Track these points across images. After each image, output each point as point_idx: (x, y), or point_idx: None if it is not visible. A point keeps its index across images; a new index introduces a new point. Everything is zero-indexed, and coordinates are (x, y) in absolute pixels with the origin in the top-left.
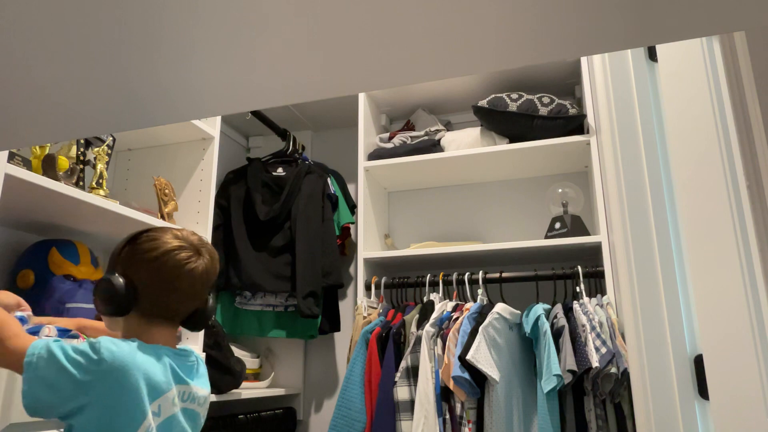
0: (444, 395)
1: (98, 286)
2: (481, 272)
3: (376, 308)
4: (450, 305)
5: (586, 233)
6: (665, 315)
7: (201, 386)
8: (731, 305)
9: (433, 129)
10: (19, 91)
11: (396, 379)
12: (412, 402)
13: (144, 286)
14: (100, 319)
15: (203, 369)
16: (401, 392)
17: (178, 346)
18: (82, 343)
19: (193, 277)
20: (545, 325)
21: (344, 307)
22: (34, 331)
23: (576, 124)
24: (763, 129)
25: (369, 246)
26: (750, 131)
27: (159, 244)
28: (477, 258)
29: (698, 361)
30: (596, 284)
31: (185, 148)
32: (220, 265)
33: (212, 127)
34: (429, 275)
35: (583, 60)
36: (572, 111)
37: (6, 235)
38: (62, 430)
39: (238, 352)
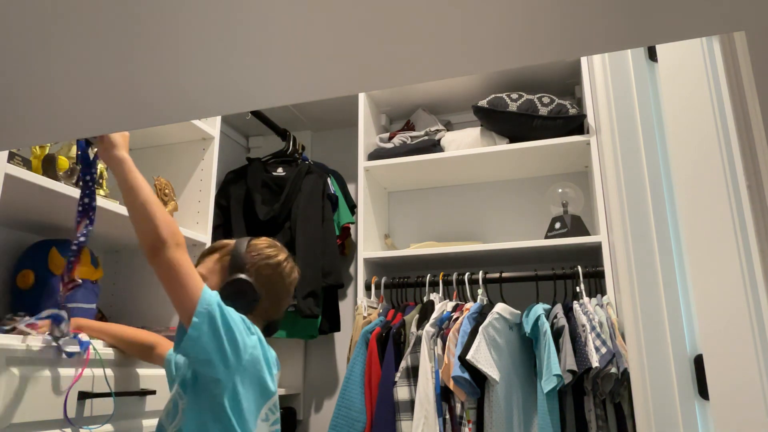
0: (444, 395)
1: (233, 283)
2: (481, 272)
3: (376, 308)
4: (450, 305)
5: (586, 233)
6: (665, 315)
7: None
8: (731, 305)
9: (433, 129)
10: (19, 91)
11: (396, 379)
12: (412, 402)
13: (265, 290)
14: (100, 320)
15: None
16: (401, 392)
17: None
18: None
19: (293, 285)
20: (545, 325)
21: (344, 307)
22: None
23: (576, 124)
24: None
25: (369, 246)
26: (750, 131)
27: (274, 252)
28: (477, 258)
29: (698, 361)
30: (596, 284)
31: (185, 148)
32: None
33: (212, 127)
34: (429, 275)
35: (583, 60)
36: (572, 111)
37: (6, 235)
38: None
39: None
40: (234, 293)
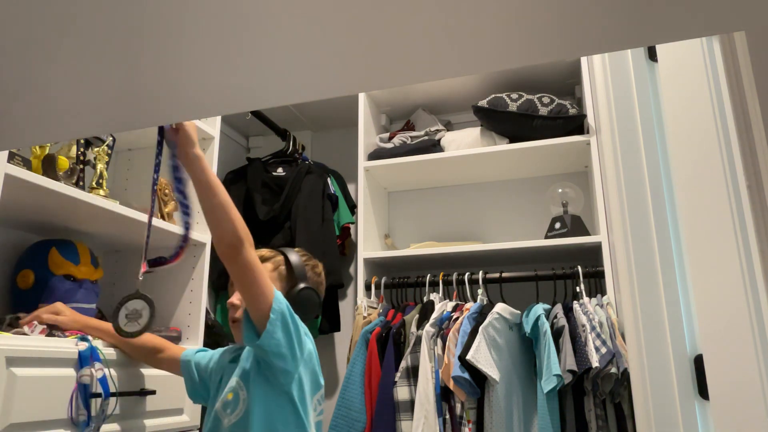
0: (444, 395)
1: (302, 293)
2: (481, 272)
3: (376, 308)
4: (450, 305)
5: (586, 233)
6: (665, 315)
7: None
8: (731, 305)
9: (433, 129)
10: (19, 91)
11: (396, 379)
12: (412, 402)
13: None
14: (103, 320)
15: None
16: (401, 392)
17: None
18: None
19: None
20: (545, 325)
21: (344, 307)
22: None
23: (576, 124)
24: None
25: (369, 246)
26: (750, 131)
27: (315, 261)
28: (477, 258)
29: (698, 361)
30: (596, 284)
31: None
32: (219, 266)
33: (212, 127)
34: (429, 275)
35: (583, 60)
36: (572, 111)
37: (6, 235)
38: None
39: None
40: (304, 301)
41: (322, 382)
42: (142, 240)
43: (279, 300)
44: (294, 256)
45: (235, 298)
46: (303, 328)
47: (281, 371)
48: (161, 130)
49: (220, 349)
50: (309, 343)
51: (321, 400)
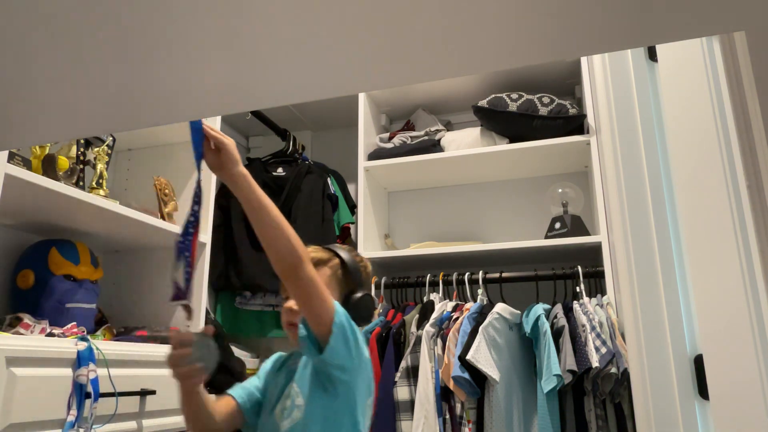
0: (444, 395)
1: (362, 300)
2: (481, 272)
3: (376, 308)
4: (450, 305)
5: (586, 233)
6: (665, 315)
7: None
8: (731, 305)
9: (433, 129)
10: (19, 91)
11: (396, 379)
12: (412, 402)
13: None
14: (99, 321)
15: None
16: (401, 392)
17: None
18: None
19: None
20: (545, 325)
21: None
22: None
23: (576, 124)
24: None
25: (369, 246)
26: (750, 131)
27: (363, 257)
28: (477, 258)
29: (698, 361)
30: (596, 284)
31: (185, 148)
32: (219, 266)
33: None
34: (429, 275)
35: (583, 60)
36: (572, 111)
37: (6, 235)
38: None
39: (238, 352)
40: (362, 308)
41: (373, 387)
42: (142, 240)
43: (339, 313)
44: (347, 257)
45: (292, 303)
46: (361, 336)
47: (340, 381)
48: (198, 154)
49: (270, 360)
50: (365, 350)
51: (371, 405)
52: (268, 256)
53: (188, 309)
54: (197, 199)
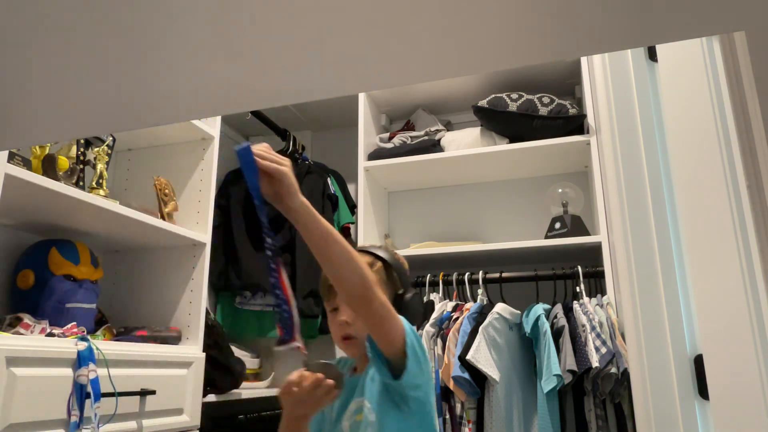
0: (444, 395)
1: (414, 300)
2: (481, 272)
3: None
4: (450, 305)
5: (586, 233)
6: (665, 315)
7: None
8: (731, 305)
9: (433, 129)
10: (19, 91)
11: None
12: None
13: None
14: (99, 321)
15: None
16: None
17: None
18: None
19: None
20: (545, 325)
21: None
22: None
23: (576, 124)
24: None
25: None
26: (750, 131)
27: (396, 252)
28: (477, 258)
29: (698, 361)
30: (596, 284)
31: (185, 148)
32: (219, 266)
33: (212, 127)
34: (429, 275)
35: (583, 60)
36: (572, 111)
37: (6, 235)
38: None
39: (238, 352)
40: (414, 309)
41: (437, 390)
42: (142, 240)
43: (408, 331)
44: (389, 257)
45: (347, 316)
46: (423, 347)
47: (414, 399)
48: (254, 185)
49: None
50: (428, 358)
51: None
52: (335, 286)
53: (299, 349)
54: (268, 232)
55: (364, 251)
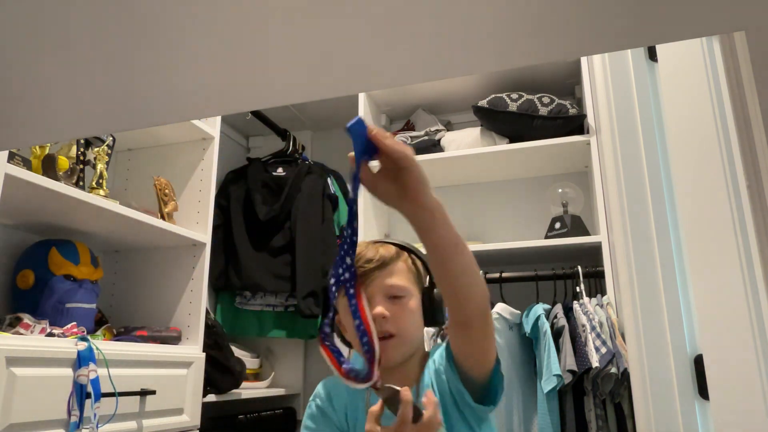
0: None
1: (440, 296)
2: (480, 272)
3: None
4: None
5: (586, 233)
6: (665, 315)
7: None
8: (731, 305)
9: (433, 129)
10: (19, 91)
11: None
12: None
13: None
14: (99, 321)
15: None
16: None
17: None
18: None
19: None
20: (545, 325)
21: None
22: None
23: (576, 124)
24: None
25: None
26: (750, 131)
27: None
28: (477, 258)
29: (698, 361)
30: (596, 284)
31: (185, 148)
32: (219, 266)
33: (212, 127)
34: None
35: (583, 60)
36: (572, 111)
37: (6, 235)
38: None
39: (238, 352)
40: (442, 304)
41: None
42: (142, 240)
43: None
44: (413, 248)
45: (383, 308)
46: None
47: (486, 418)
48: (357, 178)
49: (334, 394)
50: None
51: None
52: (449, 301)
53: (377, 387)
54: (349, 251)
55: (382, 242)
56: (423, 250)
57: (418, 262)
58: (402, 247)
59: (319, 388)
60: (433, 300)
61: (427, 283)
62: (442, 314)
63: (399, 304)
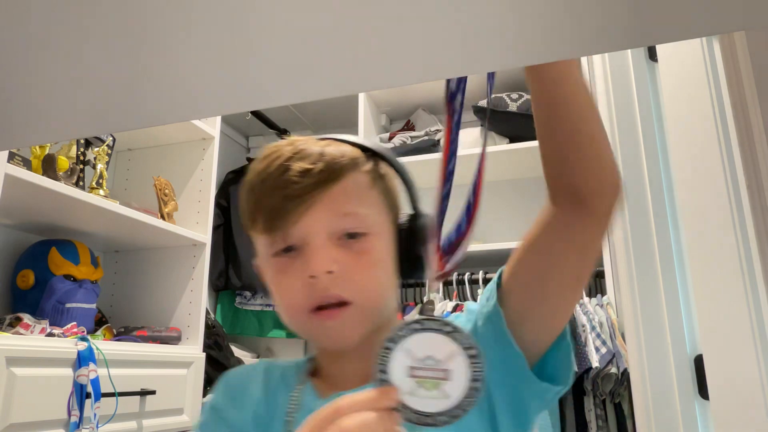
0: None
1: (419, 230)
2: (481, 272)
3: None
4: (450, 305)
5: None
6: (665, 315)
7: None
8: (731, 305)
9: (433, 129)
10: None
11: None
12: None
13: None
14: (99, 321)
15: None
16: None
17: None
18: None
19: None
20: None
21: None
22: None
23: None
24: (763, 129)
25: None
26: (750, 131)
27: None
28: (477, 258)
29: (698, 361)
30: (596, 284)
31: (185, 148)
32: (219, 266)
33: (212, 127)
34: None
35: (583, 60)
36: None
37: (6, 235)
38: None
39: (238, 352)
40: (425, 242)
41: None
42: (142, 240)
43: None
44: (380, 150)
45: (329, 256)
46: None
47: (554, 391)
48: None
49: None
50: None
51: None
52: (579, 180)
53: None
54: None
55: (332, 139)
56: (536, 112)
57: (391, 174)
58: (364, 148)
59: (220, 383)
60: (417, 238)
61: (409, 211)
62: (425, 262)
63: (356, 248)
